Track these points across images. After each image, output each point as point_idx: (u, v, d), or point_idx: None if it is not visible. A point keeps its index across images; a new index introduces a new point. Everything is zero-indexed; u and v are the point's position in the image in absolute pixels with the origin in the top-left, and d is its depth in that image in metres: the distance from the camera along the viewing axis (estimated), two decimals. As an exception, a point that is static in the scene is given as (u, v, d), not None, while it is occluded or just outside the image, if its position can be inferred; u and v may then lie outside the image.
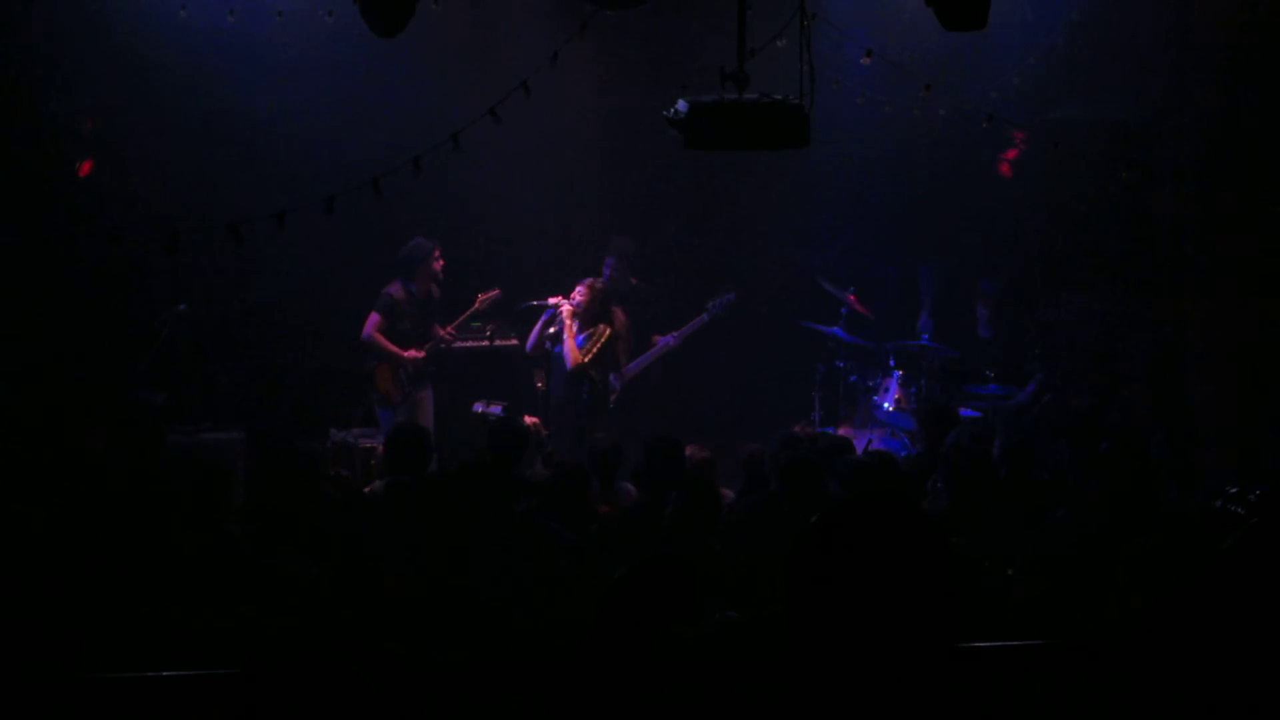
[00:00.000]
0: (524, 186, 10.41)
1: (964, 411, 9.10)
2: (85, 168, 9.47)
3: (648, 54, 10.10)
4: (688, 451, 7.17)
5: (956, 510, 6.44)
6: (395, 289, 9.45)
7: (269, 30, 9.41)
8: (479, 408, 9.30)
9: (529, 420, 8.64)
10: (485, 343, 9.74)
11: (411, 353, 9.39)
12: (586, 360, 9.13)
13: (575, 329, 9.13)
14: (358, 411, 9.55)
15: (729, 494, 7.08)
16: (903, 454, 8.58)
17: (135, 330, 9.36)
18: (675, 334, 9.70)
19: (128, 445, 7.58)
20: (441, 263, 9.47)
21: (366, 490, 7.08)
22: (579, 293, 9.20)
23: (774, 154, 9.78)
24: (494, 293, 9.49)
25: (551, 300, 9.23)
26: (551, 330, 9.26)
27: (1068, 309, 9.76)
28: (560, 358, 9.20)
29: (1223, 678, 3.35)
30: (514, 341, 9.87)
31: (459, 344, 9.87)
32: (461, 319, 9.54)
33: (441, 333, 9.50)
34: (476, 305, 9.51)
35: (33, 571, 5.40)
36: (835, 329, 9.90)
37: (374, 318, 9.41)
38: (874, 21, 9.45)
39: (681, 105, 6.28)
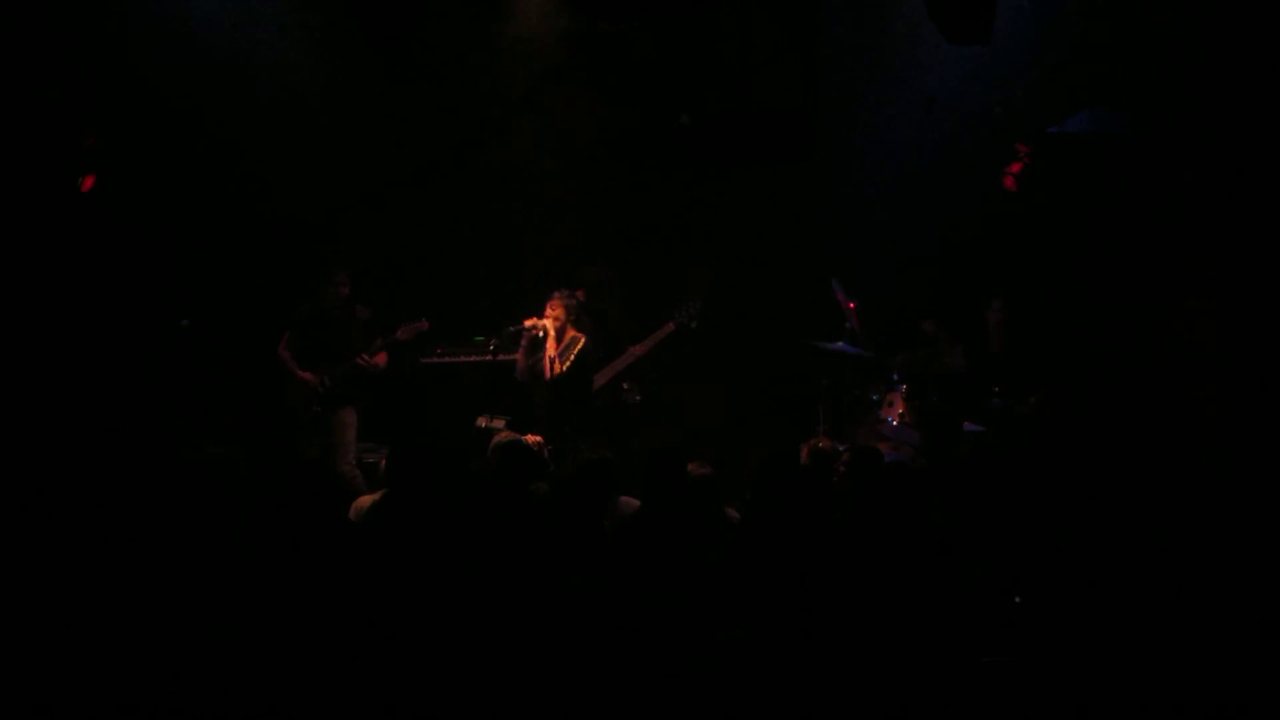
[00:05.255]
0: (518, 201, 10.42)
1: (967, 425, 9.08)
2: (88, 183, 9.44)
3: (649, 68, 10.10)
4: (689, 468, 7.11)
5: (964, 526, 6.40)
6: (305, 306, 9.37)
7: (271, 42, 9.44)
8: (482, 422, 9.28)
9: (531, 439, 8.61)
10: (488, 357, 9.70)
11: (304, 374, 9.23)
12: (565, 370, 9.16)
13: (555, 340, 9.17)
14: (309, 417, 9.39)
15: (734, 515, 7.00)
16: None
17: (138, 345, 9.35)
18: (642, 344, 9.69)
19: (134, 462, 7.55)
20: (346, 290, 9.33)
21: (356, 506, 7.00)
22: (551, 307, 9.21)
23: (777, 167, 9.82)
24: (419, 324, 9.31)
25: (527, 323, 9.22)
26: (537, 355, 9.30)
27: (1074, 321, 9.73)
28: (538, 374, 9.24)
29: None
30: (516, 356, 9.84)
31: (464, 358, 9.85)
32: (377, 344, 9.28)
33: (359, 359, 9.26)
34: (397, 335, 9.31)
35: (38, 587, 5.38)
36: (839, 344, 9.87)
37: (284, 334, 9.34)
38: (878, 35, 9.45)
39: (685, 118, 6.28)
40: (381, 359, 9.30)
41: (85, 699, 4.62)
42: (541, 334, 9.14)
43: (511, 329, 9.28)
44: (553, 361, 9.12)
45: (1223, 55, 8.87)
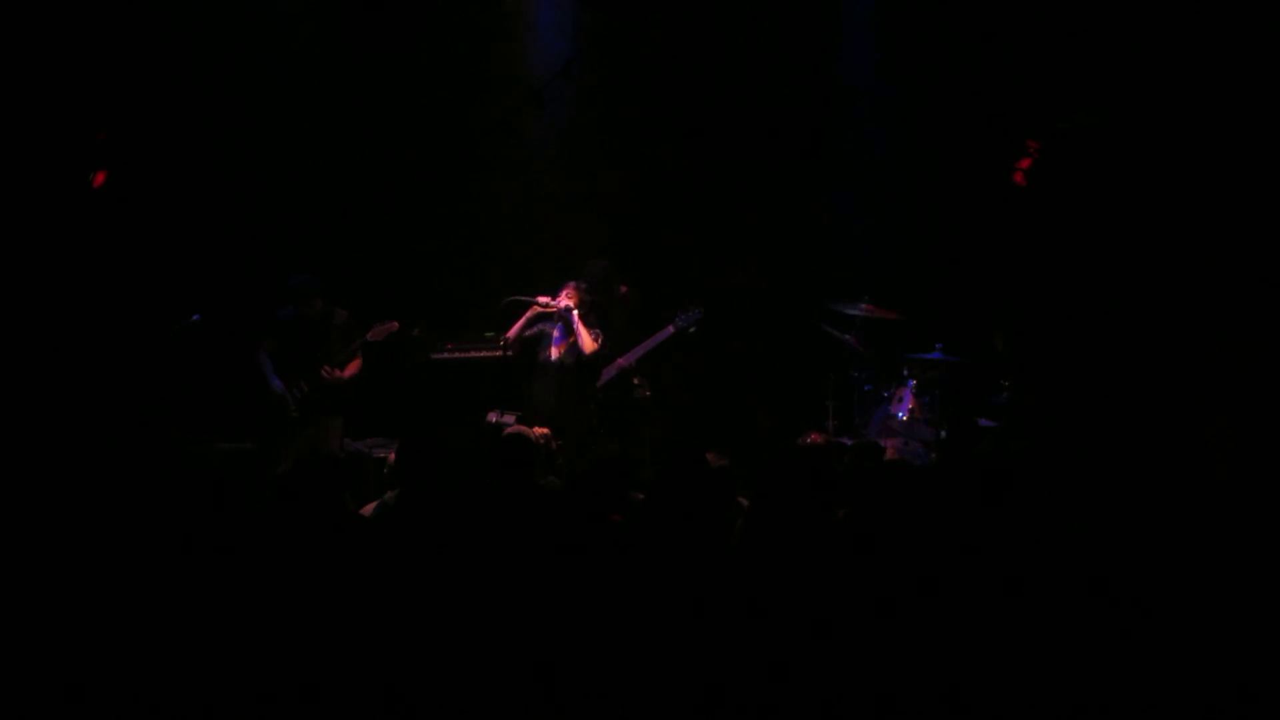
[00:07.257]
0: (526, 191, 10.43)
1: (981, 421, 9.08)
2: (99, 179, 9.46)
3: (659, 63, 10.11)
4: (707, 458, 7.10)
5: (986, 523, 6.38)
6: (285, 311, 9.33)
7: (281, 40, 9.47)
8: (493, 417, 9.30)
9: (539, 431, 8.61)
10: (499, 353, 9.72)
11: (275, 384, 9.16)
12: (599, 346, 9.19)
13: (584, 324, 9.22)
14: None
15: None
16: (919, 464, 8.53)
17: (149, 341, 9.37)
18: (635, 349, 9.71)
19: (138, 457, 7.56)
20: (320, 304, 9.28)
21: (376, 503, 7.02)
22: (566, 295, 9.22)
23: (785, 163, 9.83)
24: (389, 325, 9.28)
25: (541, 299, 9.22)
26: (533, 331, 9.31)
27: (1083, 318, 9.72)
28: (543, 364, 9.34)
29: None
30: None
31: (475, 354, 9.86)
32: (350, 349, 9.25)
33: (323, 371, 9.20)
34: (367, 337, 9.24)
35: (42, 583, 5.39)
36: (847, 336, 9.89)
37: (264, 342, 9.27)
38: (887, 30, 9.46)
39: (696, 114, 6.29)
40: (351, 369, 9.23)
41: (87, 699, 4.62)
42: (557, 314, 9.17)
43: (522, 298, 9.26)
44: (588, 341, 9.16)
45: (1230, 50, 8.86)
